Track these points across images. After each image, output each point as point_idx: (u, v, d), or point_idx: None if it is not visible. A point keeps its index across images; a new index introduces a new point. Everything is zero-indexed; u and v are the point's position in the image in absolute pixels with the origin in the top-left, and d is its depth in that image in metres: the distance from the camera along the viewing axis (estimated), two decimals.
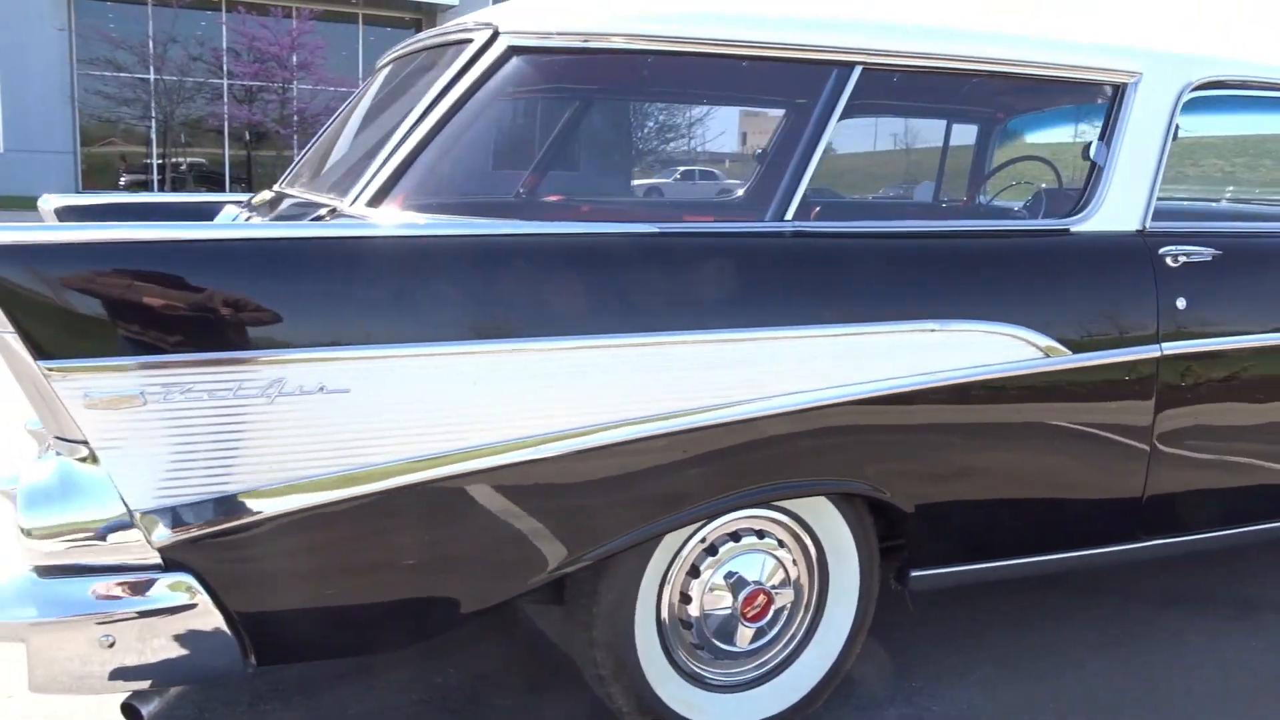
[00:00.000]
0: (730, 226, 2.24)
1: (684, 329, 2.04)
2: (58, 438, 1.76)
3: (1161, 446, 2.62)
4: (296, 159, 3.21)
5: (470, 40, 2.21)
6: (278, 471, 1.80)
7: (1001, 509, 2.51)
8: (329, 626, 1.94)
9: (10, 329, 1.64)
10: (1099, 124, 2.69)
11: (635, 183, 2.94)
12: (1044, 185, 3.23)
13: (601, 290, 2.00)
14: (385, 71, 2.85)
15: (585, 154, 2.87)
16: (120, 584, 1.75)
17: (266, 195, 2.59)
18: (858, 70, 2.32)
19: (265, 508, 1.80)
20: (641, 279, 2.04)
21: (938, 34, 2.39)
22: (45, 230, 1.71)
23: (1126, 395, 2.56)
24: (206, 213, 3.22)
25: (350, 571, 1.91)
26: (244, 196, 3.28)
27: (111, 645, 1.74)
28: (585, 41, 2.18)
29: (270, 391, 1.77)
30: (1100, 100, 2.70)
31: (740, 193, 2.47)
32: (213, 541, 1.78)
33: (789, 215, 2.25)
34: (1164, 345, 2.58)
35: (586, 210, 2.46)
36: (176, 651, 1.80)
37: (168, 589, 1.76)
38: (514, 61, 2.16)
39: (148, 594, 1.75)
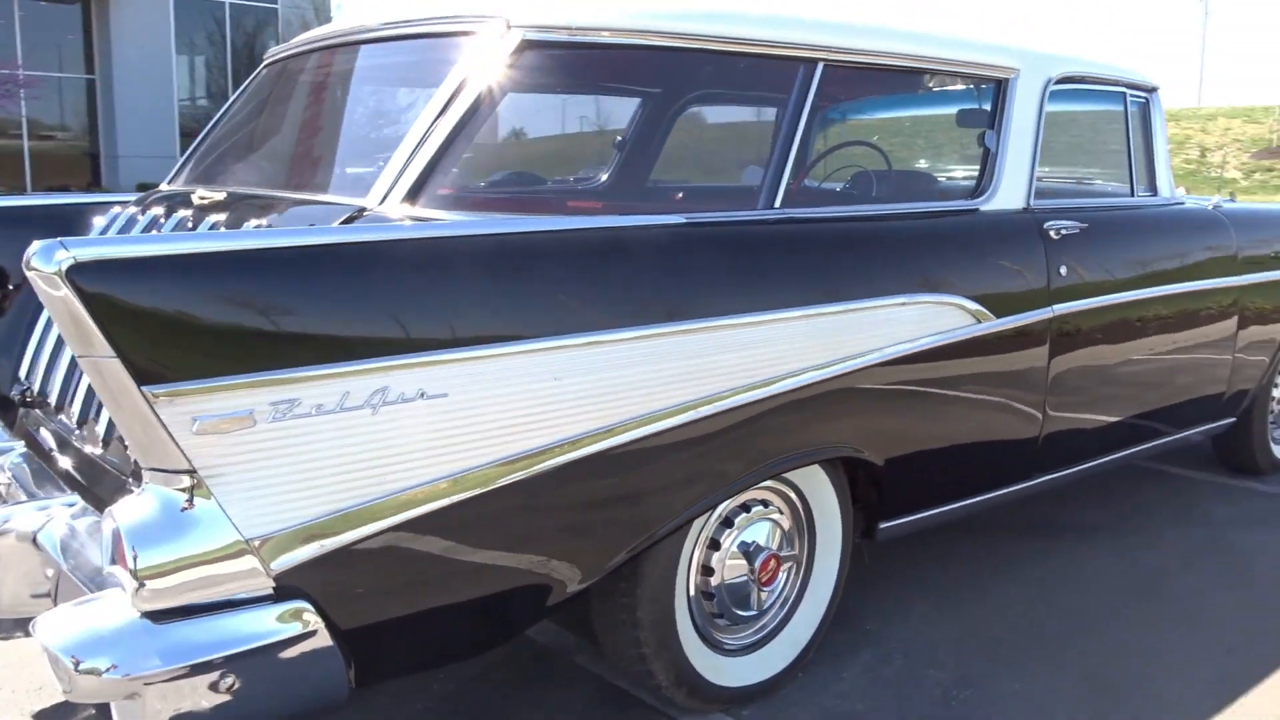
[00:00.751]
0: (739, 215, 2.35)
1: (723, 314, 2.14)
2: (153, 469, 1.59)
3: (1052, 394, 3.02)
4: (187, 155, 2.96)
5: (472, 33, 2.18)
6: (385, 484, 1.73)
7: (949, 457, 2.80)
8: (429, 635, 1.89)
9: (109, 353, 1.48)
10: (987, 113, 3.04)
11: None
12: (938, 169, 3.57)
13: (680, 278, 2.07)
14: (313, 60, 2.69)
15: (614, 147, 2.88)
16: (240, 619, 1.62)
17: (208, 195, 2.39)
18: (820, 66, 2.51)
19: (376, 522, 1.72)
20: (702, 267, 2.13)
21: (896, 35, 2.62)
22: (147, 242, 1.54)
23: (1032, 351, 2.93)
24: (72, 215, 2.92)
25: (452, 575, 1.87)
26: (126, 197, 2.97)
27: (232, 688, 1.61)
28: (596, 36, 2.21)
29: (374, 400, 1.70)
30: (987, 93, 3.04)
31: (737, 181, 2.58)
32: (326, 563, 1.69)
33: (778, 204, 2.41)
34: (1055, 307, 2.98)
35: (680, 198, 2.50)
36: (291, 683, 1.69)
37: (288, 618, 1.65)
38: (529, 54, 2.16)
39: (269, 626, 1.64)
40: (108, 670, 1.51)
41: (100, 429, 2.07)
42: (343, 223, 1.98)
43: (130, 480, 1.93)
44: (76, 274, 1.43)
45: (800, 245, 2.40)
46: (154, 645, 1.55)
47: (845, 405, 2.45)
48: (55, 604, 2.07)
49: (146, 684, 1.53)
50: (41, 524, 2.01)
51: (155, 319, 1.51)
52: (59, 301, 1.45)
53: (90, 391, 2.13)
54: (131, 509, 1.57)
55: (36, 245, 1.44)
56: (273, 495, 1.63)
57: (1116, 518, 3.86)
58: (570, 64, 2.33)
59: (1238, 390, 3.96)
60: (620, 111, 2.81)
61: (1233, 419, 4.04)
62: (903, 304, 2.55)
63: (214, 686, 1.59)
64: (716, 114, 2.95)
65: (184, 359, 1.53)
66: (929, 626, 2.93)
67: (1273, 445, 4.42)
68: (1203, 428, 3.88)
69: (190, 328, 1.55)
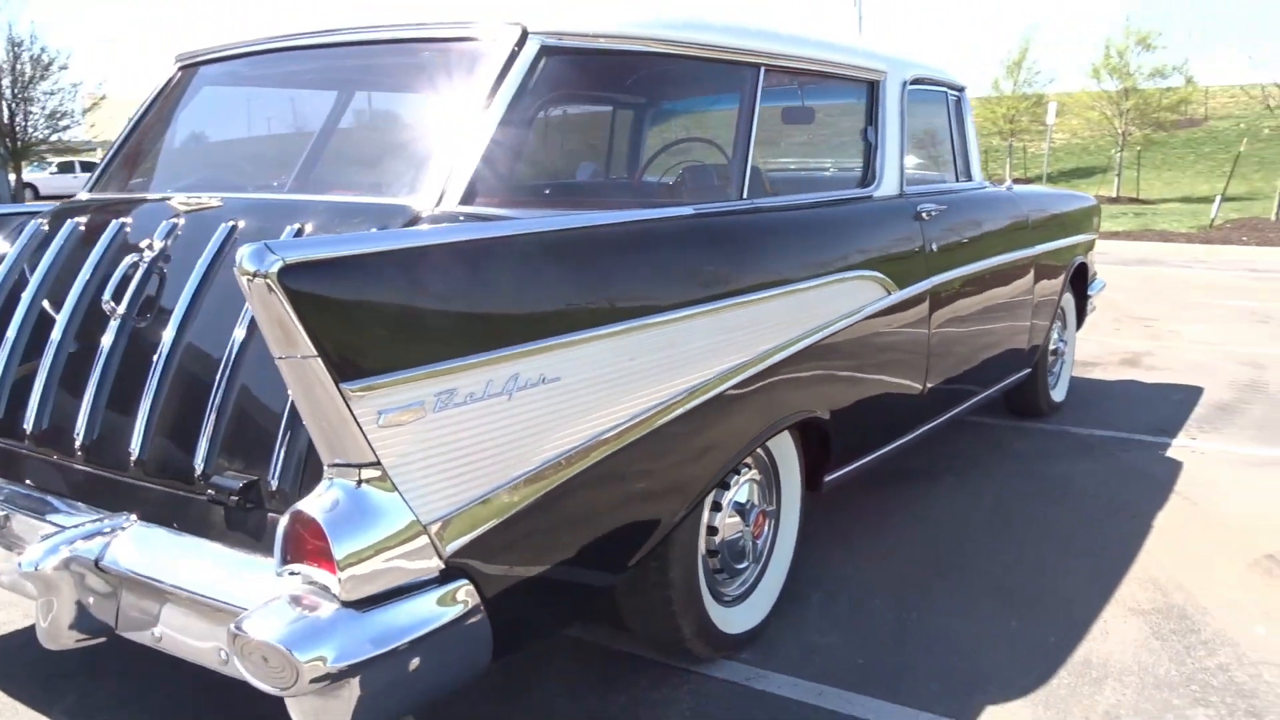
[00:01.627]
0: (727, 206, 2.59)
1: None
2: (336, 464, 1.62)
3: (936, 344, 3.49)
4: (106, 163, 2.80)
5: (494, 39, 2.28)
6: (522, 463, 1.84)
7: (870, 412, 3.18)
8: (558, 596, 2.02)
9: (311, 352, 1.51)
10: (866, 111, 3.45)
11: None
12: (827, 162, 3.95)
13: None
14: (284, 61, 2.65)
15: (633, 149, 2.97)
16: (420, 602, 1.67)
17: (195, 200, 2.32)
18: (761, 70, 2.80)
19: (517, 498, 1.83)
20: (718, 251, 2.36)
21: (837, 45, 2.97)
22: (346, 243, 1.56)
23: (922, 313, 3.38)
24: None
25: (576, 539, 2.01)
26: (38, 207, 2.75)
27: (418, 669, 1.66)
28: (610, 43, 2.38)
29: (509, 387, 1.81)
30: (863, 93, 3.45)
31: (716, 177, 2.81)
32: (482, 541, 1.77)
33: (744, 195, 2.68)
34: (931, 278, 3.45)
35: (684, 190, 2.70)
36: (454, 659, 1.76)
37: (455, 598, 1.73)
38: (550, 61, 2.29)
39: (443, 607, 1.70)
40: (331, 659, 1.53)
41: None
42: (407, 224, 2.04)
43: (216, 493, 1.91)
44: (285, 275, 1.46)
45: (771, 231, 2.68)
46: (364, 632, 1.59)
47: (811, 371, 2.76)
48: (117, 628, 1.99)
49: (356, 670, 1.57)
50: (103, 546, 1.93)
51: (352, 317, 1.56)
52: (269, 303, 1.46)
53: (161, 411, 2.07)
54: (323, 503, 1.59)
55: (246, 249, 1.45)
56: (441, 481, 1.70)
57: (953, 462, 4.45)
58: (584, 68, 2.48)
59: (1033, 344, 4.67)
60: (626, 114, 2.98)
61: (1030, 369, 4.76)
62: (841, 280, 2.90)
63: (405, 669, 1.65)
64: (693, 114, 3.16)
65: (372, 355, 1.58)
66: (852, 568, 3.32)
67: (1050, 390, 5.23)
68: (1016, 376, 4.56)
69: (377, 324, 1.60)
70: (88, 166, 35.85)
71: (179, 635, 1.89)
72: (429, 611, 1.69)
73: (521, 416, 1.84)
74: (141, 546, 1.93)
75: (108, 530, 1.96)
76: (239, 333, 2.02)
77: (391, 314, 1.63)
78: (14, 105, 25.60)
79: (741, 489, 2.70)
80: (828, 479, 3.05)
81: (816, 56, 3.08)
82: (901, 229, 3.35)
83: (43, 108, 26.12)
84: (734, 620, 2.70)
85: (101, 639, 2.01)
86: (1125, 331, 8.04)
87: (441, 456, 1.71)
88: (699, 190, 2.75)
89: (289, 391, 1.60)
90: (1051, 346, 5.09)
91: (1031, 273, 4.49)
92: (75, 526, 1.96)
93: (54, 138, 26.85)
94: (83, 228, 2.51)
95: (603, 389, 2.01)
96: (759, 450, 2.77)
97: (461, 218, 2.07)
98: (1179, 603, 3.04)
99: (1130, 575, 3.24)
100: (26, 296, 2.44)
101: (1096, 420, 5.23)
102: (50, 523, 2.05)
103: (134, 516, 2.01)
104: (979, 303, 3.92)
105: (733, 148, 2.72)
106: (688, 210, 2.44)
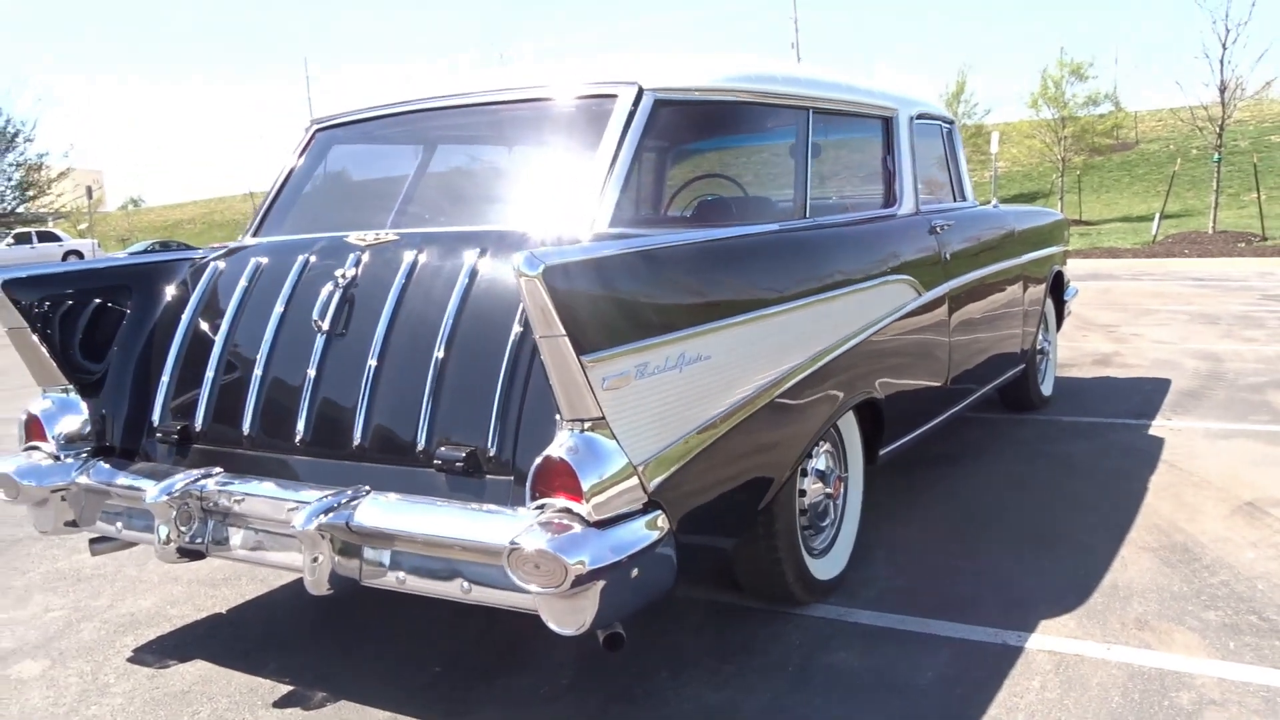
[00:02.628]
0: (797, 224, 3.15)
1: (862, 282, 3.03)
2: (574, 419, 2.12)
3: (954, 340, 4.06)
4: (264, 211, 3.29)
5: (615, 95, 2.83)
6: (692, 420, 2.37)
7: (912, 396, 3.74)
8: (720, 528, 2.53)
9: (560, 332, 2.02)
10: (882, 144, 4.04)
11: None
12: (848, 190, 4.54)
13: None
14: (435, 119, 3.19)
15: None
16: (634, 526, 2.17)
17: (374, 235, 2.83)
18: (810, 112, 3.38)
19: (689, 446, 2.35)
20: (811, 257, 2.91)
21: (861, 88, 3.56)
22: (583, 251, 2.09)
23: (943, 313, 3.96)
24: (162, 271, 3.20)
25: (732, 477, 2.54)
26: (195, 253, 3.25)
27: (633, 578, 2.16)
28: (704, 95, 2.94)
29: (680, 363, 2.33)
30: (880, 127, 4.04)
31: (783, 201, 3.37)
32: (670, 479, 2.28)
33: (807, 214, 3.25)
34: (948, 282, 4.03)
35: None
36: (654, 575, 2.25)
37: (658, 523, 2.22)
38: (661, 111, 2.84)
39: (649, 530, 2.20)
40: (589, 563, 2.02)
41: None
42: (571, 245, 2.56)
43: (443, 463, 2.40)
44: (547, 275, 1.97)
45: (835, 243, 3.24)
46: (606, 545, 2.08)
47: (870, 358, 3.31)
48: (361, 579, 2.44)
49: (602, 574, 2.06)
50: (351, 510, 2.39)
51: (586, 305, 2.07)
52: (535, 295, 1.97)
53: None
54: (569, 449, 2.10)
55: (519, 256, 1.96)
56: (642, 432, 2.21)
57: (966, 448, 5.01)
58: (687, 114, 3.03)
59: (1025, 343, 5.27)
60: (718, 150, 3.54)
61: (1024, 365, 5.36)
62: (886, 282, 3.46)
63: (628, 576, 2.14)
64: (767, 149, 3.72)
65: (598, 334, 2.09)
66: (903, 532, 3.85)
67: (1040, 385, 5.84)
68: (1012, 371, 5.15)
69: (601, 311, 2.12)
70: (45, 237, 35.60)
71: (422, 577, 2.36)
72: (641, 533, 2.19)
73: (688, 385, 2.36)
74: (382, 509, 2.39)
75: (351, 499, 2.42)
76: (444, 336, 2.52)
77: (608, 303, 2.15)
78: None
79: (820, 458, 3.22)
80: (882, 452, 3.58)
81: (849, 99, 3.67)
82: (922, 241, 3.93)
83: (9, 179, 26.29)
84: (822, 569, 3.21)
85: (347, 588, 2.47)
86: (1092, 337, 8.72)
87: (642, 414, 2.22)
88: (777, 212, 3.30)
89: (545, 364, 2.10)
90: (1039, 346, 5.70)
91: (1021, 279, 5.10)
92: (323, 497, 2.42)
93: (20, 209, 26.96)
94: (266, 264, 2.99)
95: (739, 366, 2.54)
96: (830, 428, 3.31)
97: (608, 237, 2.60)
98: (1180, 541, 3.60)
99: (1136, 523, 3.80)
100: (225, 323, 2.92)
101: (1082, 409, 5.84)
102: (293, 499, 2.50)
103: (367, 488, 2.48)
104: (984, 304, 4.51)
105: (795, 176, 3.28)
106: (774, 227, 2.99)
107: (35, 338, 2.93)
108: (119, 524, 2.91)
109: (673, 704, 2.60)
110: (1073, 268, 14.54)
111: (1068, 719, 2.43)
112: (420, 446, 2.48)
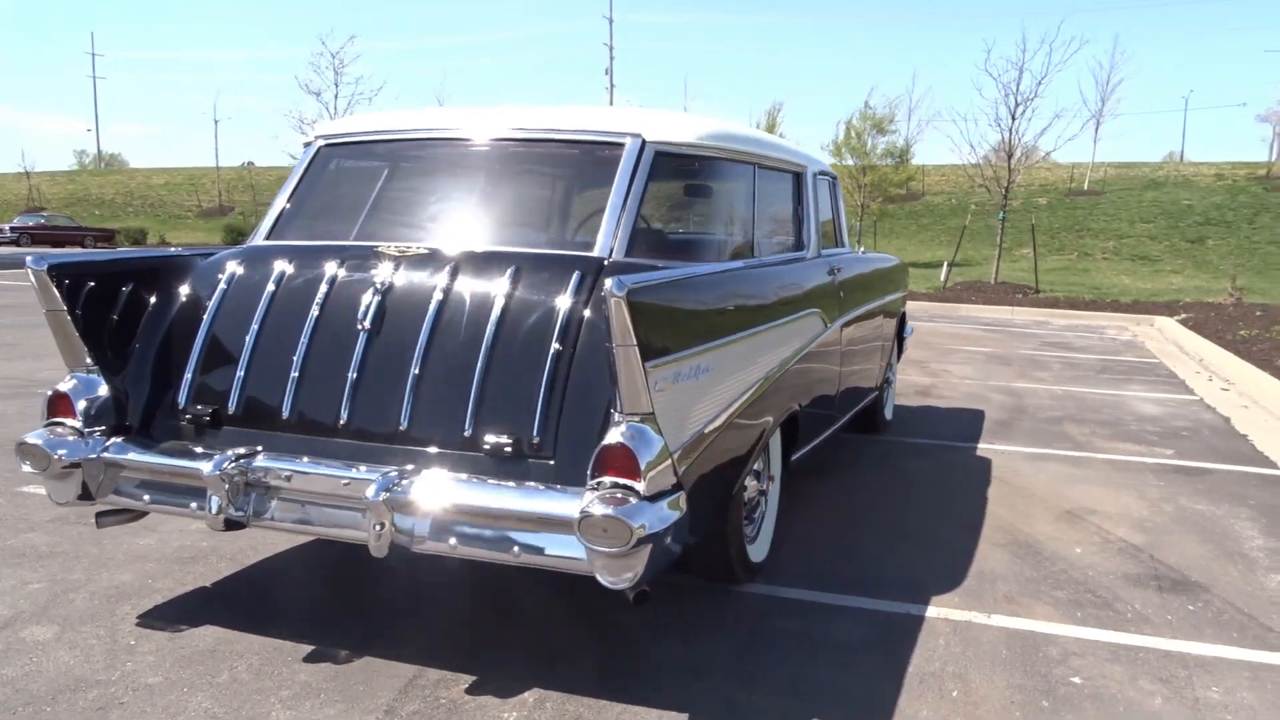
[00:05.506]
0: (752, 262, 3.75)
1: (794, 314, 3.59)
2: (630, 413, 2.61)
3: (844, 368, 4.79)
4: (277, 218, 3.60)
5: (623, 144, 3.35)
6: (703, 418, 2.91)
7: (817, 409, 4.41)
8: (712, 506, 3.07)
9: (633, 343, 2.52)
10: (794, 196, 4.72)
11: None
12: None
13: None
14: (454, 149, 3.59)
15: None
16: (671, 501, 2.67)
17: (407, 248, 3.21)
18: (756, 167, 4.01)
19: (702, 438, 2.89)
20: (773, 291, 3.51)
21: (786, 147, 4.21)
22: (659, 276, 2.60)
23: (839, 342, 4.67)
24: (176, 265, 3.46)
25: (718, 470, 3.08)
26: (204, 250, 3.51)
27: (668, 544, 2.66)
28: (690, 150, 3.50)
29: (696, 373, 2.87)
30: (791, 180, 4.72)
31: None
32: (691, 467, 2.81)
33: (754, 254, 3.86)
34: (842, 315, 4.75)
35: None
36: (677, 543, 2.76)
37: (680, 503, 2.73)
38: (659, 159, 3.38)
39: (678, 506, 2.71)
40: (648, 527, 2.52)
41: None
42: (597, 271, 3.05)
43: (490, 448, 2.83)
44: (631, 294, 2.47)
45: (781, 278, 3.87)
46: (657, 514, 2.57)
47: (798, 375, 3.95)
48: (413, 546, 2.83)
49: (654, 538, 2.56)
50: (408, 485, 2.78)
51: (650, 322, 2.57)
52: (620, 312, 2.46)
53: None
54: (628, 437, 2.59)
55: (610, 280, 2.45)
56: (675, 427, 2.73)
57: (831, 466, 5.75)
58: (684, 163, 3.57)
59: (882, 371, 6.10)
60: (703, 195, 4.09)
61: (878, 391, 6.19)
62: (810, 313, 4.13)
63: (665, 542, 2.65)
64: (732, 196, 4.28)
65: (655, 346, 2.60)
66: (802, 531, 4.50)
67: (884, 410, 6.70)
68: (872, 395, 5.96)
69: (659, 326, 2.62)
70: None
71: (474, 544, 2.77)
72: (673, 508, 2.69)
73: (700, 392, 2.91)
74: (437, 485, 2.80)
75: (405, 476, 2.81)
76: (488, 341, 2.95)
77: (665, 321, 2.66)
78: None
79: (757, 460, 3.83)
80: (794, 457, 4.23)
81: (779, 156, 4.33)
82: (825, 280, 4.63)
83: None
84: (755, 554, 3.81)
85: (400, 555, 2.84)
86: (908, 371, 9.82)
87: (675, 413, 2.74)
88: (736, 251, 3.90)
89: (615, 367, 2.57)
90: (887, 375, 6.56)
91: (883, 315, 5.93)
92: (386, 473, 2.80)
93: None
94: (293, 266, 3.31)
95: (728, 378, 3.11)
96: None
97: (624, 264, 3.11)
98: (1022, 539, 4.43)
99: (985, 525, 4.62)
100: (257, 317, 3.22)
101: (917, 433, 6.75)
102: (346, 475, 2.86)
103: (411, 466, 2.87)
104: (863, 335, 5.28)
105: (748, 222, 3.90)
106: (739, 265, 3.59)
107: (70, 320, 3.13)
108: (146, 496, 3.14)
109: (655, 657, 3.11)
110: None
111: (971, 666, 3.12)
112: (467, 433, 2.89)
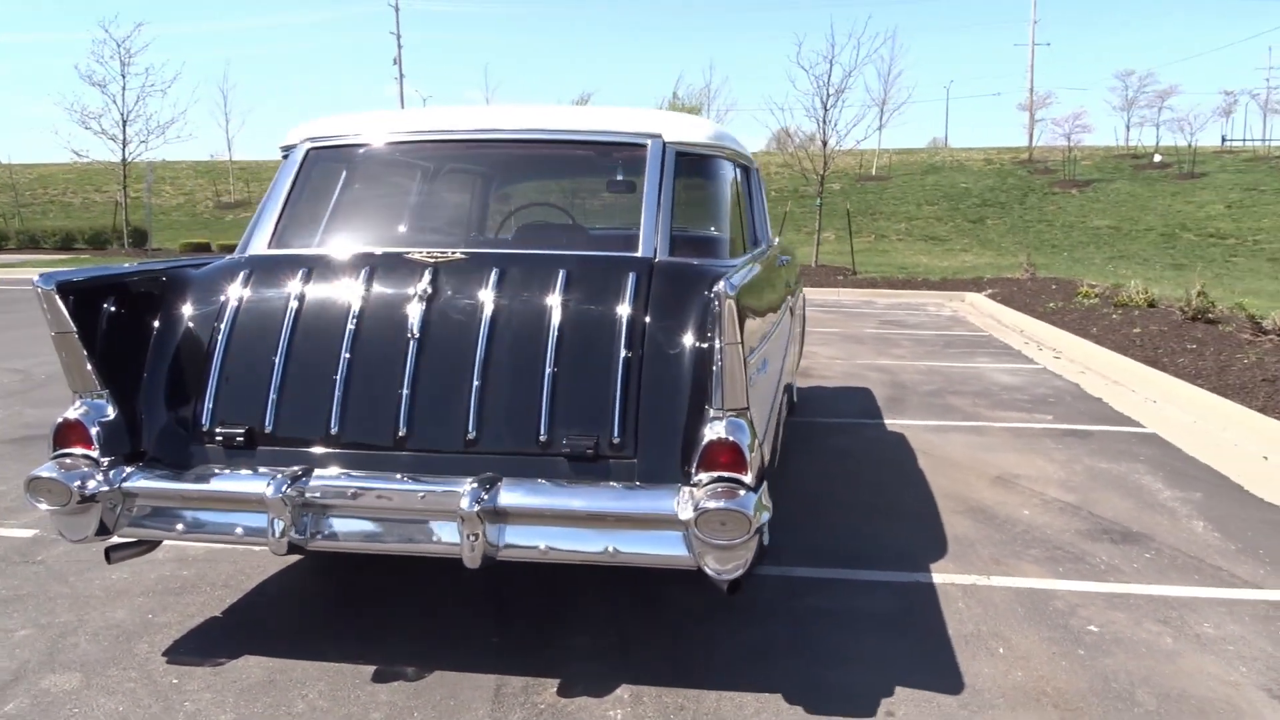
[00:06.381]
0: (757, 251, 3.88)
1: (791, 304, 3.71)
2: (730, 409, 2.67)
3: (790, 345, 5.00)
4: (277, 223, 3.42)
5: (645, 145, 3.40)
6: (765, 406, 3.01)
7: (787, 389, 4.59)
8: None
9: (737, 340, 2.59)
10: (756, 189, 4.88)
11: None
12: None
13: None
14: (480, 151, 3.51)
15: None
16: (766, 491, 2.76)
17: (443, 253, 3.14)
18: (735, 164, 4.14)
19: (769, 426, 2.99)
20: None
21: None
22: (747, 274, 2.66)
23: (792, 323, 4.87)
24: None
25: (772, 448, 3.18)
26: (205, 259, 3.30)
27: (761, 529, 2.75)
28: (699, 150, 3.59)
29: (761, 366, 2.98)
30: (746, 176, 4.88)
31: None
32: (759, 454, 2.91)
33: (745, 248, 4.00)
34: (791, 299, 4.96)
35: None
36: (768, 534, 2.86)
37: (767, 493, 2.83)
38: (679, 158, 3.45)
39: (767, 499, 2.80)
40: (761, 518, 2.60)
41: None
42: (648, 271, 3.09)
43: (571, 451, 2.84)
44: (737, 294, 2.55)
45: (784, 270, 4.02)
46: (762, 504, 2.66)
47: (787, 361, 4.11)
48: (499, 553, 2.80)
49: (763, 527, 2.64)
50: (494, 494, 2.75)
51: (743, 318, 2.65)
52: (728, 311, 2.53)
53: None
54: (732, 433, 2.66)
55: (721, 283, 2.51)
56: (758, 419, 2.83)
57: None
58: (694, 162, 3.63)
59: (798, 356, 6.38)
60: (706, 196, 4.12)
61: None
62: (789, 304, 4.30)
63: (762, 532, 2.74)
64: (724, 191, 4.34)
65: (747, 343, 2.69)
66: (777, 511, 4.67)
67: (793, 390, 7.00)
68: (793, 377, 6.22)
69: (745, 323, 2.70)
70: None
71: (568, 545, 2.77)
72: (767, 497, 2.79)
73: (765, 384, 3.01)
74: (526, 491, 2.77)
75: (487, 485, 2.77)
76: (552, 345, 2.94)
77: (747, 317, 2.75)
78: None
79: None
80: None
81: (744, 152, 4.47)
82: (781, 268, 4.81)
83: None
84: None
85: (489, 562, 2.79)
86: None
87: (757, 406, 2.84)
88: (745, 245, 4.01)
89: (722, 364, 2.63)
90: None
91: (800, 301, 6.20)
92: (473, 484, 2.74)
93: None
94: (316, 273, 3.18)
95: (772, 369, 3.23)
96: None
97: (667, 262, 3.17)
98: (974, 506, 4.77)
99: (937, 495, 4.94)
100: (285, 329, 3.08)
101: (824, 412, 7.08)
102: (422, 489, 2.79)
103: (490, 474, 2.83)
104: (796, 318, 5.51)
105: (740, 215, 4.02)
106: (763, 260, 3.71)
107: (79, 342, 2.90)
108: (179, 526, 2.95)
109: (718, 642, 3.20)
110: None
111: (1002, 625, 3.37)
112: (543, 438, 2.88)
